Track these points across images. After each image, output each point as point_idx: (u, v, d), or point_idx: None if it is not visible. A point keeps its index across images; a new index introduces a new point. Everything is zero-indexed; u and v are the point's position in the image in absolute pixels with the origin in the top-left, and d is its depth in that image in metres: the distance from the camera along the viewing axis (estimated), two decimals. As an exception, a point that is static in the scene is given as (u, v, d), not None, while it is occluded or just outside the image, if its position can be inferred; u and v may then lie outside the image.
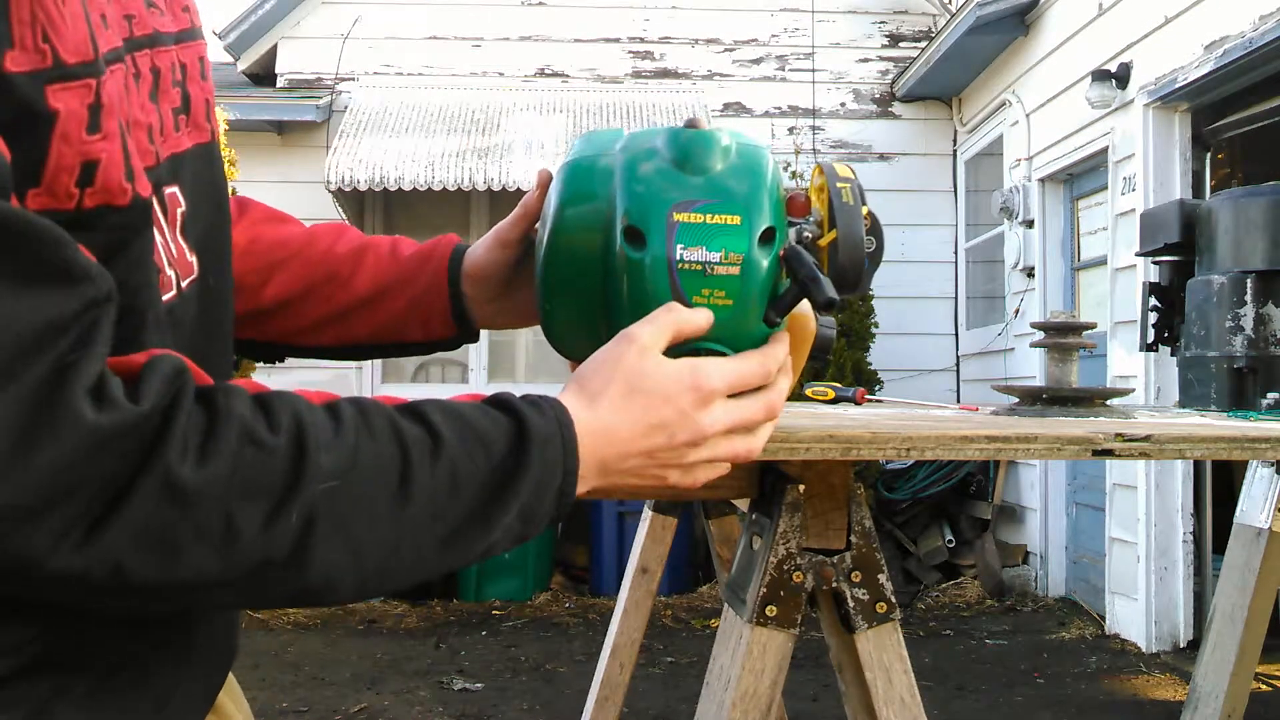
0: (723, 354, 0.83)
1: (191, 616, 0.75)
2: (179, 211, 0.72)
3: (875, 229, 0.92)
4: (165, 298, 0.70)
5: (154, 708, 0.71)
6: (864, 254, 0.87)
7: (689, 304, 0.83)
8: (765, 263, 0.84)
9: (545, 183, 0.99)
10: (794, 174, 6.50)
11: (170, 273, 0.71)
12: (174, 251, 0.72)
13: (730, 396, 0.81)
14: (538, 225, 0.97)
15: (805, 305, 0.93)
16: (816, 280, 0.83)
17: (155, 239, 0.69)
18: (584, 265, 0.88)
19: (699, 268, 0.83)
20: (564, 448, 0.74)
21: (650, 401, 0.78)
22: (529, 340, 7.12)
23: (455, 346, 1.09)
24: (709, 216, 0.83)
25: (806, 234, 0.89)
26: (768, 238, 0.84)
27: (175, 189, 0.72)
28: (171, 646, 0.73)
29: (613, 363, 0.79)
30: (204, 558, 0.59)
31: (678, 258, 0.83)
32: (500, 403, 0.74)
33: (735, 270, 0.83)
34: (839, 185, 0.89)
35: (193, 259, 0.74)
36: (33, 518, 0.54)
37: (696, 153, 0.86)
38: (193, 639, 0.75)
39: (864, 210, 0.89)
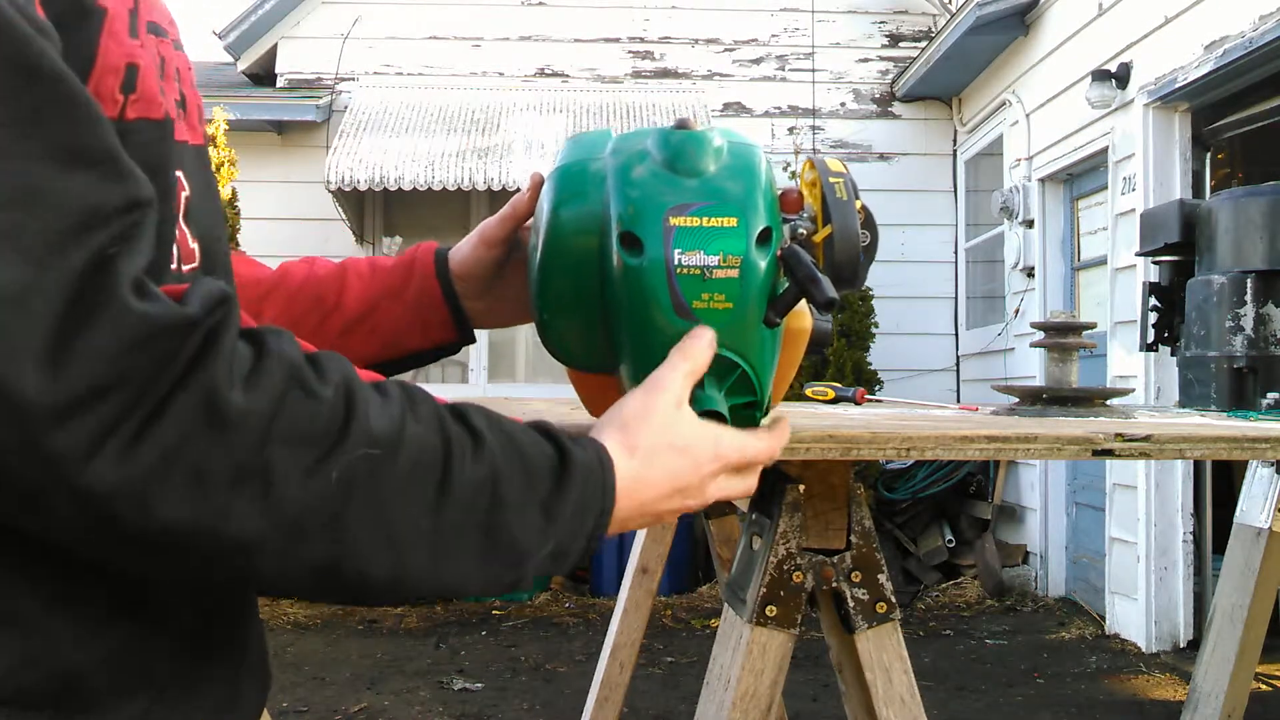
0: (732, 361, 0.84)
1: (243, 634, 0.74)
2: (183, 195, 0.70)
3: (869, 223, 0.92)
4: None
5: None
6: (859, 249, 0.87)
7: (689, 309, 0.82)
8: (763, 264, 0.83)
9: (538, 185, 0.99)
10: (793, 174, 6.51)
11: (174, 251, 0.69)
12: (177, 234, 0.69)
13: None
14: (528, 225, 0.96)
15: (801, 309, 0.93)
16: (815, 280, 0.82)
17: (177, 196, 0.67)
18: (580, 271, 0.87)
19: (698, 272, 0.82)
20: (603, 487, 0.73)
21: (683, 465, 0.79)
22: (529, 340, 7.12)
23: (457, 350, 1.09)
24: (705, 220, 0.82)
25: (801, 230, 0.89)
26: (764, 238, 0.84)
27: (180, 174, 0.70)
28: (227, 665, 0.72)
29: (651, 413, 0.79)
30: (237, 501, 0.55)
31: (676, 263, 0.82)
32: (543, 429, 0.72)
33: (734, 273, 0.82)
34: (832, 180, 0.89)
35: (194, 247, 0.72)
36: (73, 414, 0.51)
37: (688, 154, 0.85)
38: (246, 658, 0.74)
39: (857, 204, 0.89)
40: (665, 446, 0.78)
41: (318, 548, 0.58)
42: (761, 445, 0.85)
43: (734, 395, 0.86)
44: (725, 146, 0.87)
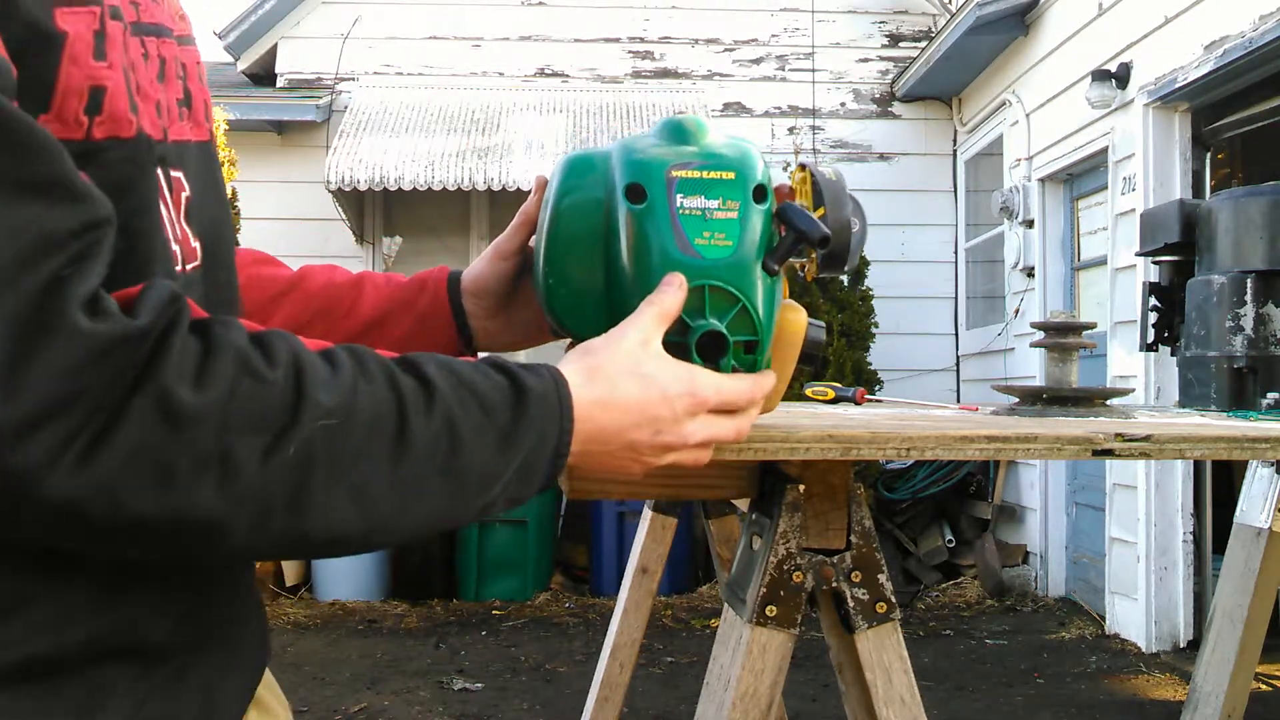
0: (729, 292, 0.87)
1: (233, 608, 0.76)
2: (183, 195, 0.72)
3: (858, 211, 0.97)
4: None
5: (203, 699, 0.71)
6: (850, 227, 0.92)
7: (691, 245, 0.87)
8: (760, 214, 0.89)
9: (542, 187, 1.02)
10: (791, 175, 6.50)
11: (175, 248, 0.71)
12: (178, 233, 0.71)
13: (711, 411, 0.84)
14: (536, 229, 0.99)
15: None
16: (811, 222, 0.88)
17: (160, 208, 0.69)
18: (587, 231, 0.92)
19: (699, 213, 0.88)
20: (560, 407, 0.75)
21: (650, 394, 0.80)
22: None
23: None
24: (705, 173, 0.89)
25: None
26: (760, 195, 0.90)
27: (180, 174, 0.72)
28: (216, 637, 0.73)
29: (614, 345, 0.81)
30: (202, 490, 0.58)
31: (678, 205, 0.88)
32: (495, 363, 0.75)
33: (733, 215, 0.88)
34: (822, 168, 0.97)
35: (196, 245, 0.74)
36: (30, 432, 0.53)
37: (687, 131, 0.92)
38: (237, 631, 0.77)
39: (847, 189, 0.93)
40: (629, 373, 0.80)
41: (286, 519, 0.61)
42: (743, 385, 0.86)
43: (735, 332, 0.89)
44: (720, 133, 0.94)
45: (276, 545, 0.63)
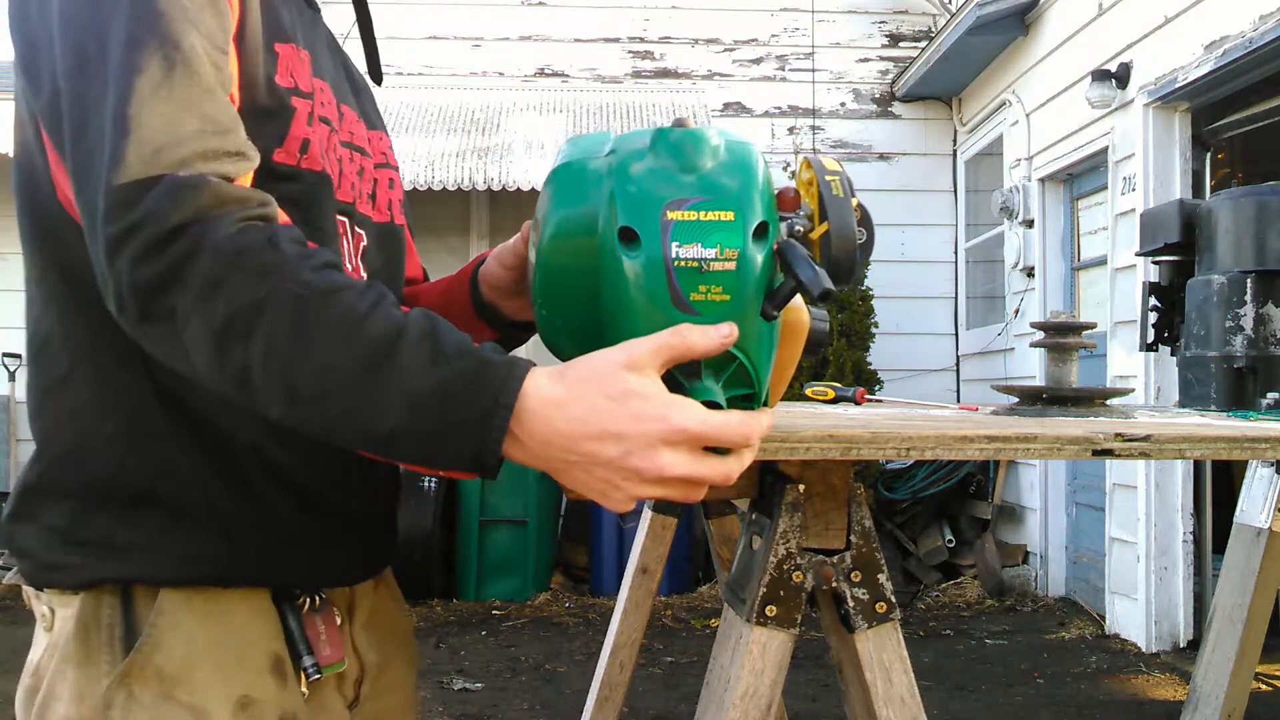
0: (729, 353, 0.84)
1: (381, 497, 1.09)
2: (361, 244, 1.08)
3: (865, 220, 0.92)
4: None
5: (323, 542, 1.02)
6: (856, 245, 0.88)
7: (687, 301, 0.83)
8: (760, 257, 0.84)
9: (527, 236, 1.08)
10: (793, 174, 6.50)
11: (349, 266, 1.03)
12: (353, 264, 1.05)
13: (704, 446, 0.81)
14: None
15: (797, 299, 0.93)
16: (813, 272, 0.83)
17: (338, 234, 1.03)
18: (579, 269, 0.87)
19: (695, 265, 0.83)
20: (505, 381, 0.79)
21: (616, 411, 0.79)
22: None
23: (512, 345, 1.19)
24: (703, 214, 0.83)
25: (798, 228, 0.90)
26: (761, 233, 0.84)
27: (362, 233, 1.08)
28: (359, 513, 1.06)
29: (598, 362, 0.80)
30: (202, 292, 0.81)
31: (674, 256, 0.82)
32: (488, 343, 0.82)
33: (731, 266, 0.83)
34: (828, 178, 0.90)
35: (364, 275, 1.03)
36: (130, 235, 0.82)
37: (686, 151, 0.86)
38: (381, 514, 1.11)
39: (853, 202, 0.89)
40: (596, 388, 0.79)
41: (244, 345, 0.81)
42: (734, 420, 0.81)
43: (731, 387, 0.86)
44: (722, 144, 0.87)
45: (236, 361, 0.81)
